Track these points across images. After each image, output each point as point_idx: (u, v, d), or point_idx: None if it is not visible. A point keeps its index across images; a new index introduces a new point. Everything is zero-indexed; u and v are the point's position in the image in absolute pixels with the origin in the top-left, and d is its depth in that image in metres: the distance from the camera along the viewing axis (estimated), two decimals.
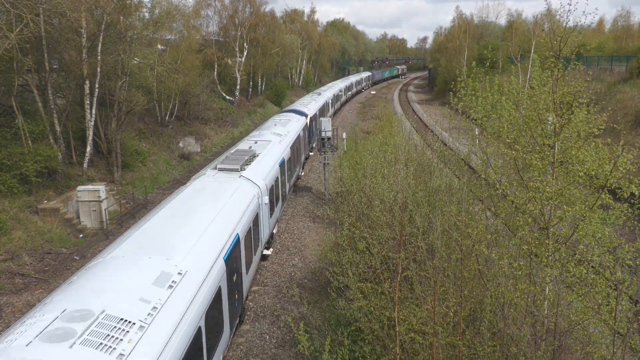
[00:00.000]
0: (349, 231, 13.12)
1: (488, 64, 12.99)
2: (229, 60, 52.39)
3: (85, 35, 23.57)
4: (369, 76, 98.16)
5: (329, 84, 65.01)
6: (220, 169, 16.17)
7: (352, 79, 79.34)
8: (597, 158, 8.53)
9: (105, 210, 21.20)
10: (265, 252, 17.14)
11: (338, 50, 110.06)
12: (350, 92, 73.20)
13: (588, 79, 9.44)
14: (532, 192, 8.56)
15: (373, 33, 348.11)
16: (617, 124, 9.24)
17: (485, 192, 10.97)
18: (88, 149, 24.84)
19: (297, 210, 23.75)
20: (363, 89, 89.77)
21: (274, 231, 19.11)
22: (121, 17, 25.96)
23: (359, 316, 10.18)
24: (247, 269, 13.53)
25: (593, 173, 8.44)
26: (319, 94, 48.06)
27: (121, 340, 6.62)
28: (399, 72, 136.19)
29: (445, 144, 21.06)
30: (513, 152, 9.02)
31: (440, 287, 8.66)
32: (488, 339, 7.80)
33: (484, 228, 9.36)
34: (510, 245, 9.27)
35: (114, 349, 6.44)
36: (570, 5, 9.22)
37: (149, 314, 7.32)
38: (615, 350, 7.00)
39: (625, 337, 7.07)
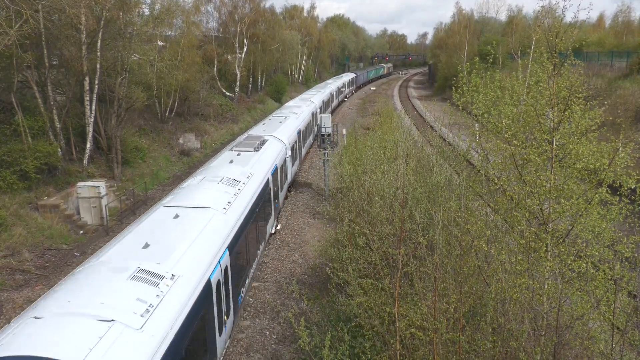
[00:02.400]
0: (349, 227, 13.14)
1: (491, 60, 12.98)
2: (229, 57, 52.30)
3: (84, 32, 23.52)
4: (352, 79, 77.44)
5: (295, 102, 37.40)
6: None
7: (332, 86, 56.68)
8: (596, 153, 8.53)
9: (105, 206, 21.21)
10: None
11: (338, 46, 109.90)
12: (330, 108, 51.41)
13: (582, 72, 9.47)
14: (530, 188, 8.58)
15: (373, 29, 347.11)
16: (618, 118, 9.25)
17: (484, 188, 10.98)
18: (88, 145, 24.84)
19: (297, 206, 23.77)
20: (346, 97, 70.25)
21: None
22: (120, 14, 25.90)
23: (359, 312, 10.20)
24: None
25: (592, 167, 8.45)
26: (261, 143, 19.76)
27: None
28: (386, 71, 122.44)
29: (444, 140, 21.07)
30: (511, 148, 9.04)
31: (441, 283, 8.69)
32: (488, 334, 7.82)
33: (483, 224, 9.38)
34: (509, 241, 9.30)
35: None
36: (565, 0, 9.28)
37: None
38: (614, 345, 7.03)
39: (625, 332, 7.09)
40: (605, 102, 13.18)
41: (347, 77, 74.78)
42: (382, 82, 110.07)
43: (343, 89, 66.28)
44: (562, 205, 8.35)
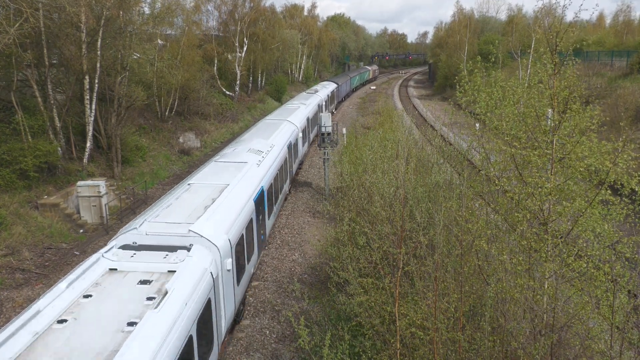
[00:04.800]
0: (349, 226, 13.13)
1: (493, 59, 12.99)
2: (229, 56, 52.27)
3: (84, 30, 23.50)
4: (332, 93, 52.90)
5: (235, 150, 19.12)
6: None
7: (300, 115, 30.35)
8: (597, 153, 8.52)
9: (105, 205, 21.21)
10: None
11: (338, 45, 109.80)
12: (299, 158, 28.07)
13: (579, 73, 9.45)
14: (531, 188, 8.57)
15: (373, 28, 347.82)
16: (619, 119, 9.25)
17: (485, 188, 10.98)
18: (88, 144, 24.83)
19: (297, 205, 23.76)
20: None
21: None
22: (120, 12, 25.88)
23: (359, 311, 10.21)
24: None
25: (593, 169, 8.44)
26: None
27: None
28: (371, 75, 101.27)
29: (445, 140, 21.06)
30: (512, 149, 9.02)
31: (441, 282, 8.69)
32: (488, 333, 7.83)
33: (484, 223, 9.38)
34: (510, 241, 9.30)
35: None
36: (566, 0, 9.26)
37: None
38: (613, 344, 7.04)
39: (624, 332, 7.10)
40: (603, 101, 13.17)
41: (325, 90, 48.45)
42: (383, 80, 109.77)
43: (320, 112, 37.16)
44: (563, 206, 8.35)
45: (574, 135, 8.67)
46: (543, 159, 8.62)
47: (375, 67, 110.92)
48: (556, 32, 8.80)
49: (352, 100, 68.73)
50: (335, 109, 56.61)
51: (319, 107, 39.31)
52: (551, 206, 8.57)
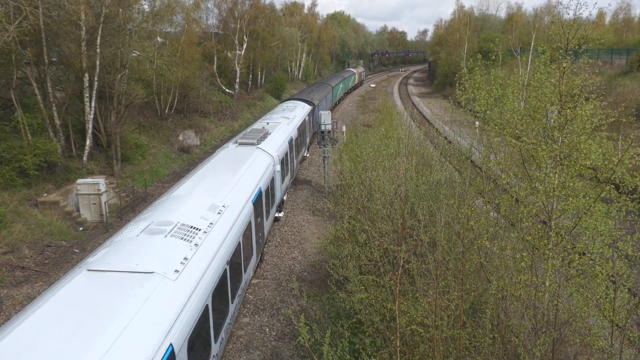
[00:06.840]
0: (349, 224, 13.11)
1: (493, 57, 12.98)
2: (229, 53, 52.18)
3: (84, 28, 23.45)
4: (304, 122, 29.87)
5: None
6: None
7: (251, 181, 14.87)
8: (602, 151, 8.50)
9: (105, 203, 21.19)
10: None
11: (338, 43, 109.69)
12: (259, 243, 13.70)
13: (596, 71, 9.45)
14: (535, 184, 8.55)
15: (373, 26, 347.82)
16: (622, 117, 9.24)
17: (487, 186, 10.96)
18: (88, 142, 24.80)
19: (297, 203, 23.75)
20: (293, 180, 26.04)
21: None
22: (120, 10, 25.83)
23: (359, 309, 10.20)
24: None
25: (599, 164, 8.42)
26: None
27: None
28: (357, 80, 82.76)
29: (445, 138, 21.04)
30: (520, 144, 8.99)
31: (442, 279, 8.68)
32: (489, 330, 7.82)
33: (485, 221, 9.37)
34: (512, 238, 9.29)
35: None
36: None
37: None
38: (613, 342, 7.04)
39: (624, 329, 7.10)
40: (622, 104, 13.14)
41: (286, 127, 24.87)
42: (382, 78, 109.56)
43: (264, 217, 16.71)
44: (569, 203, 8.34)
45: (582, 133, 8.65)
46: (550, 155, 8.60)
47: (361, 69, 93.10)
48: (569, 29, 8.77)
49: (352, 99, 68.60)
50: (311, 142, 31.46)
51: (264, 196, 16.57)
52: (557, 203, 8.56)
